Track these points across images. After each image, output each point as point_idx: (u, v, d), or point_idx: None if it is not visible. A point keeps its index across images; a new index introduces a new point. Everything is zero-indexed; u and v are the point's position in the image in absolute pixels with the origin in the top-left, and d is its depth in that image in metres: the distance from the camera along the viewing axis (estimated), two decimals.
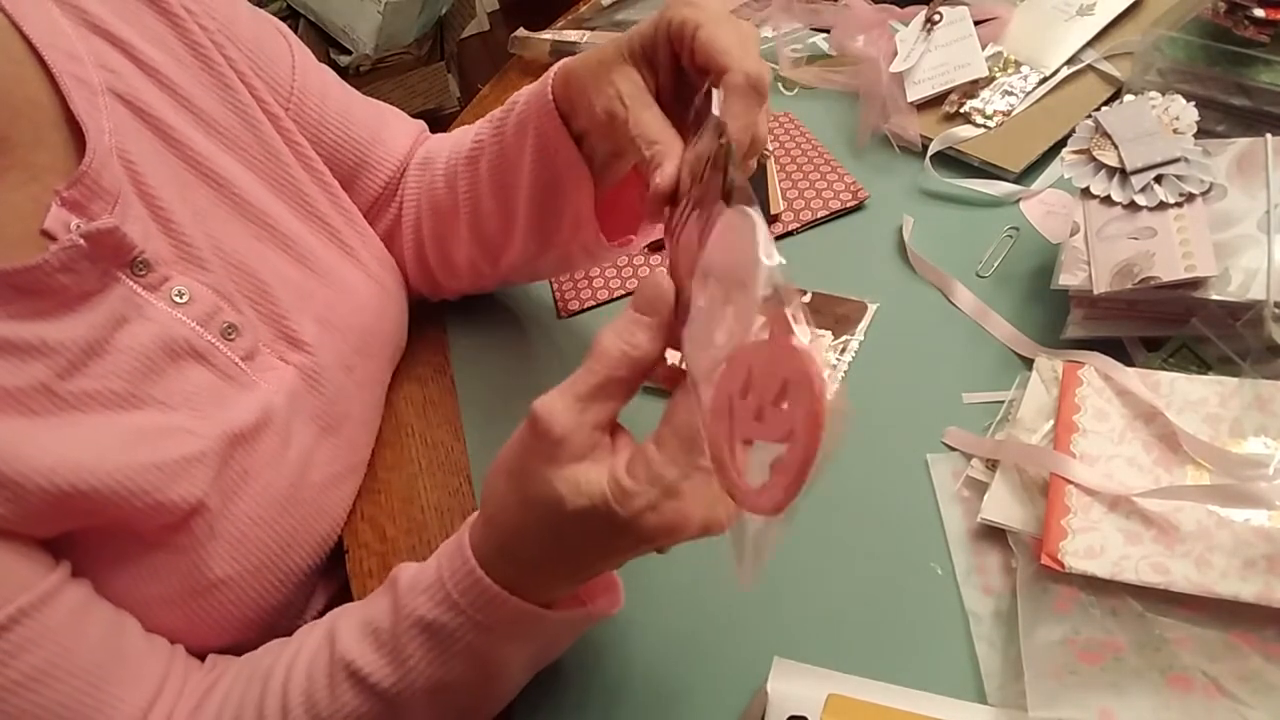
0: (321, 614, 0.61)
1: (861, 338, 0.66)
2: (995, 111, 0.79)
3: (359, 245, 0.69)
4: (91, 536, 0.51)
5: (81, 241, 0.50)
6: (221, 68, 0.62)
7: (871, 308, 0.67)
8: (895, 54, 0.85)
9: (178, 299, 0.56)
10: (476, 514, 0.46)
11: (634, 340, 0.40)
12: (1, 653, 0.45)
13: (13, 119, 0.51)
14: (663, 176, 0.46)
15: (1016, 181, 0.74)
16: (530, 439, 0.40)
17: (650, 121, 0.49)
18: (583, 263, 0.71)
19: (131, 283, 0.54)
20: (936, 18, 0.85)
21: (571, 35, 1.04)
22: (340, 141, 0.69)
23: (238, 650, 0.56)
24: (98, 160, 0.52)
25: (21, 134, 0.51)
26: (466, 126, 0.71)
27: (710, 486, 0.38)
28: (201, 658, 0.56)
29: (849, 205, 0.77)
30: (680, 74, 0.51)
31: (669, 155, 0.47)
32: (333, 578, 0.67)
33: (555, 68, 0.58)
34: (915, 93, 0.82)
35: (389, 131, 0.73)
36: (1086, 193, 0.61)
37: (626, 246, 0.65)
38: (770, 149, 0.84)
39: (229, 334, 0.59)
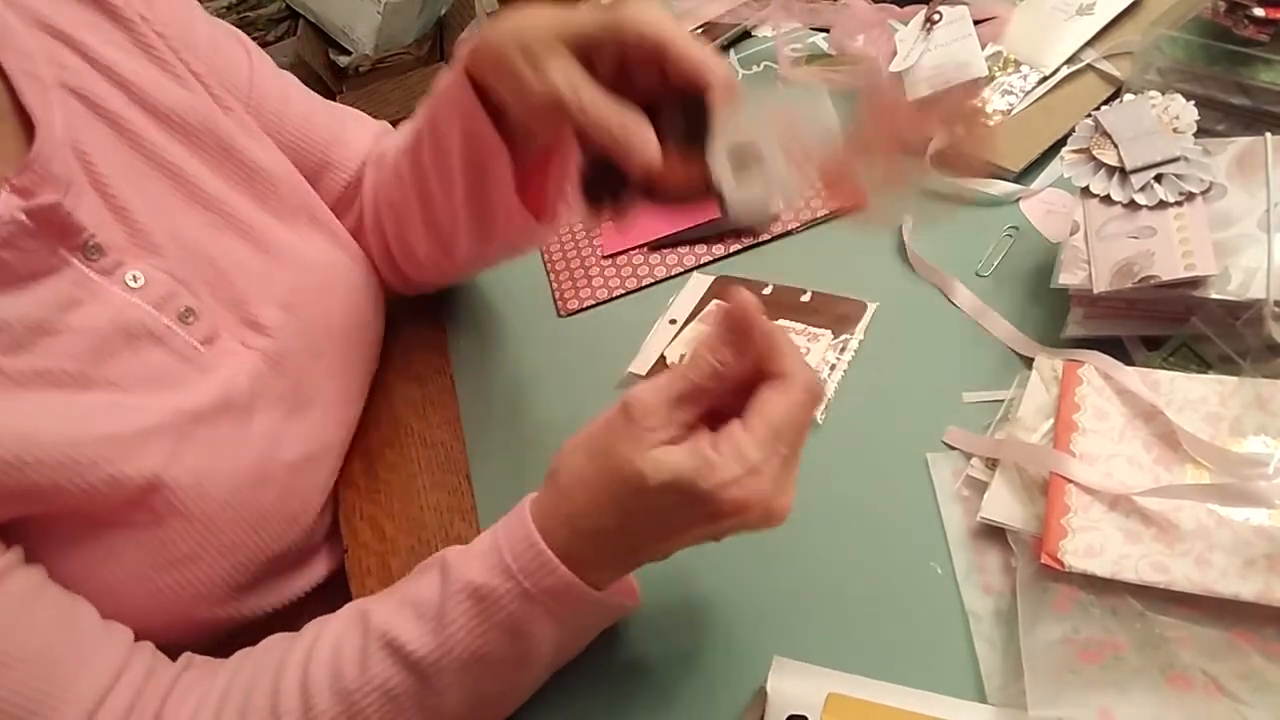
0: (301, 601, 0.63)
1: (861, 337, 0.66)
2: (995, 111, 0.79)
3: (321, 230, 0.70)
4: (47, 521, 0.51)
5: (23, 217, 0.51)
6: (176, 69, 0.63)
7: (871, 307, 0.67)
8: (894, 54, 0.84)
9: (132, 283, 0.57)
10: (539, 490, 0.48)
11: (723, 358, 0.44)
12: None
13: None
14: (649, 147, 0.47)
15: (1016, 181, 0.74)
16: (619, 423, 0.44)
17: (607, 105, 0.48)
18: (527, 245, 0.74)
19: (84, 267, 0.55)
20: (936, 17, 0.85)
21: None
22: (301, 143, 0.71)
23: (211, 639, 0.57)
24: (47, 148, 0.53)
25: None
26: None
27: (788, 475, 0.44)
28: (174, 653, 0.55)
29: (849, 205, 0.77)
30: (619, 74, 0.50)
31: (643, 129, 0.47)
32: (321, 559, 0.67)
33: (468, 44, 0.56)
34: (915, 93, 0.82)
35: (349, 133, 0.74)
36: (1086, 192, 0.61)
37: (556, 220, 0.66)
38: None
39: (186, 318, 0.59)
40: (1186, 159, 0.59)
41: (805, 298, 0.65)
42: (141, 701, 0.50)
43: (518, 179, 0.61)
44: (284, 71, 0.73)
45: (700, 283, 0.73)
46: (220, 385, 0.59)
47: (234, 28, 0.71)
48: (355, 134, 0.75)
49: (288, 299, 0.65)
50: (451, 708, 0.48)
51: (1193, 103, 0.62)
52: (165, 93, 0.62)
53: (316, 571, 0.67)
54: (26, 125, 0.54)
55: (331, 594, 0.66)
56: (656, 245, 0.79)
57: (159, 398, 0.56)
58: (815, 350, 0.65)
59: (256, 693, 0.49)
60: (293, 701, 0.48)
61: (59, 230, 0.53)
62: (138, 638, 0.53)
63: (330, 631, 0.50)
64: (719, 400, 0.44)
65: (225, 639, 0.58)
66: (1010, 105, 0.79)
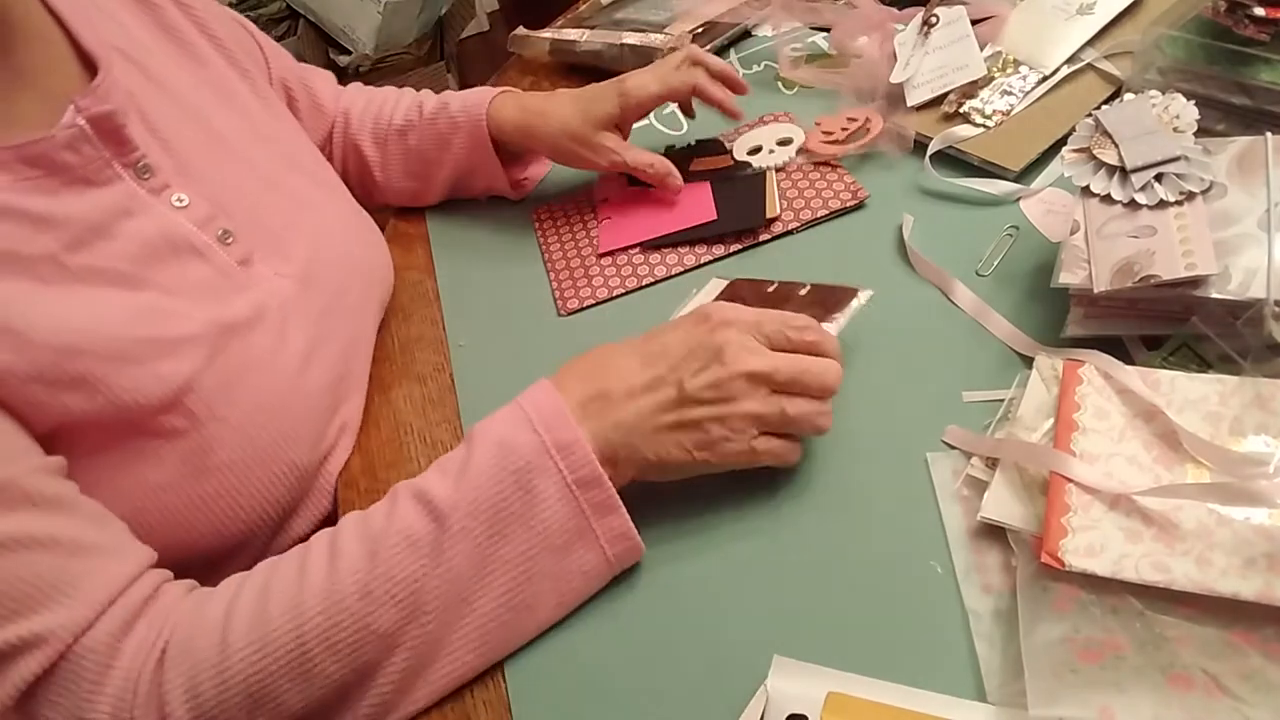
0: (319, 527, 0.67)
1: (845, 321, 0.63)
2: (995, 111, 0.79)
3: (333, 187, 0.80)
4: (94, 427, 0.55)
5: (84, 123, 0.57)
6: (196, 45, 0.72)
7: (864, 294, 0.64)
8: (895, 55, 0.85)
9: (177, 204, 0.63)
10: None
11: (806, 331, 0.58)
12: None
13: (28, 43, 0.58)
14: (677, 179, 0.82)
15: (1016, 180, 0.74)
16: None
17: (647, 157, 0.80)
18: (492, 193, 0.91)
19: (135, 184, 0.61)
20: (933, 20, 0.85)
21: (571, 34, 1.04)
22: (302, 95, 0.86)
23: (240, 552, 0.63)
24: (108, 80, 0.60)
25: (36, 58, 0.59)
26: (383, 92, 0.91)
27: (778, 359, 0.55)
28: (204, 560, 0.60)
29: (849, 205, 0.77)
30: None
31: (670, 166, 0.80)
32: (325, 498, 0.70)
33: (501, 113, 0.83)
34: (914, 97, 0.82)
35: (319, 90, 0.88)
36: (1086, 191, 0.61)
37: (527, 187, 0.90)
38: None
39: (225, 239, 0.65)
40: (1187, 158, 0.59)
41: (803, 291, 0.65)
42: (163, 592, 0.53)
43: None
44: (277, 45, 0.85)
45: (716, 286, 0.73)
46: (255, 303, 0.65)
47: (228, 9, 0.80)
48: (324, 91, 0.89)
49: (313, 242, 0.72)
50: (460, 563, 0.52)
51: (1193, 102, 0.62)
52: (190, 74, 0.70)
53: (318, 506, 0.69)
54: (85, 64, 0.61)
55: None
56: (653, 245, 0.80)
57: (200, 306, 0.61)
58: None
59: (285, 558, 0.53)
60: (320, 555, 0.52)
61: (114, 141, 0.59)
62: (176, 553, 0.57)
63: (350, 515, 0.55)
64: None
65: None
66: (1010, 105, 0.79)
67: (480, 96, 0.84)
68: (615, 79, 0.80)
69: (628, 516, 0.54)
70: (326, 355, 0.70)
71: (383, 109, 0.88)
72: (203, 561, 0.60)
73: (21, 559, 0.48)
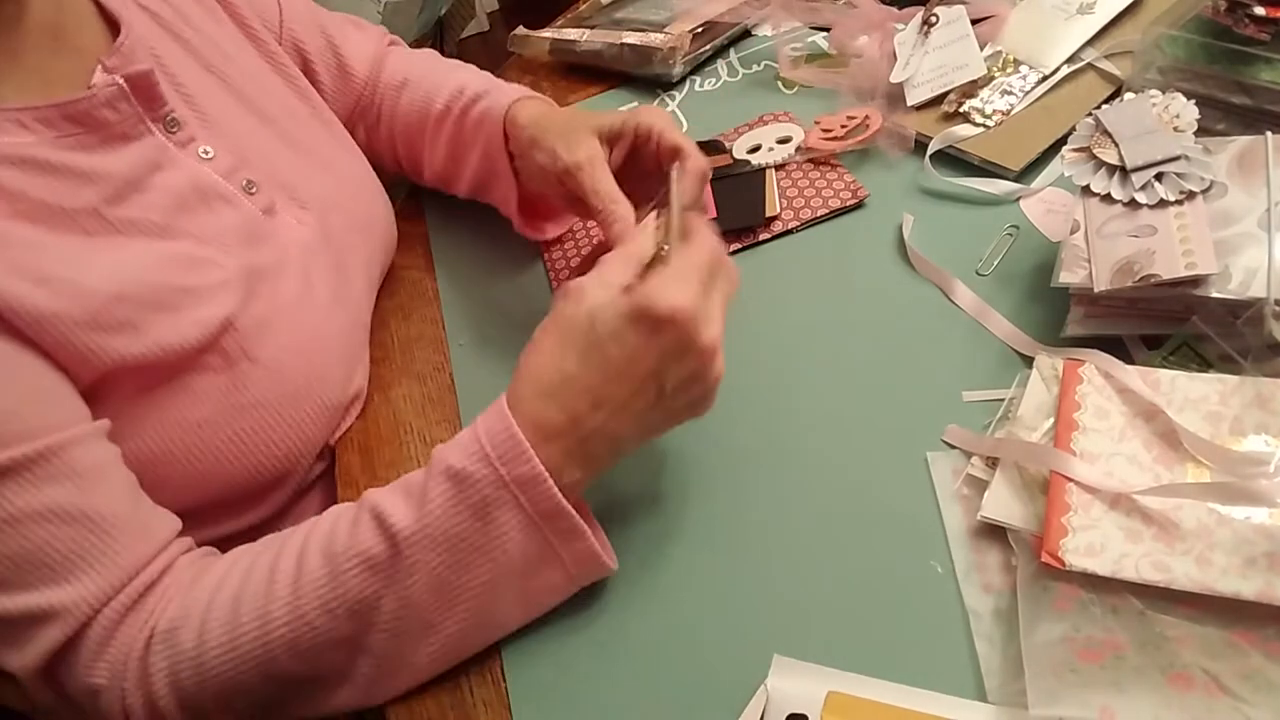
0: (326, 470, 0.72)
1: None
2: (995, 111, 0.79)
3: (344, 142, 0.82)
4: (135, 372, 0.57)
5: (121, 81, 0.60)
6: (212, 6, 0.74)
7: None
8: (894, 54, 0.85)
9: (204, 155, 0.66)
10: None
11: (636, 247, 0.54)
12: (27, 482, 0.50)
13: (60, 8, 0.61)
14: (624, 224, 0.62)
15: (1016, 180, 0.74)
16: (560, 301, 0.53)
17: (608, 183, 0.65)
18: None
19: (164, 138, 0.63)
20: (933, 19, 0.85)
21: (571, 34, 1.04)
22: (323, 51, 0.84)
23: (278, 486, 0.66)
24: (131, 38, 0.63)
25: (68, 21, 0.61)
26: (430, 57, 0.88)
27: (712, 300, 0.51)
28: (241, 495, 0.64)
29: (849, 204, 0.77)
30: (629, 160, 0.68)
31: (623, 214, 0.63)
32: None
33: (521, 112, 0.75)
34: (914, 96, 0.82)
35: (351, 58, 0.86)
36: (1087, 191, 0.61)
37: (538, 235, 0.82)
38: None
39: (250, 189, 0.68)
40: (1187, 158, 0.59)
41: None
42: (171, 572, 0.55)
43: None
44: None
45: None
46: (280, 249, 0.68)
47: None
48: (363, 42, 0.87)
49: (326, 194, 0.74)
50: (419, 590, 0.52)
51: (1193, 101, 0.62)
52: (203, 20, 0.73)
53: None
54: (109, 25, 0.64)
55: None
56: None
57: (232, 252, 0.64)
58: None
59: (260, 558, 0.55)
60: (289, 563, 0.53)
61: (147, 98, 0.62)
62: (217, 488, 0.62)
63: (332, 511, 0.56)
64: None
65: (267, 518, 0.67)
66: (1010, 105, 0.79)
67: (503, 98, 0.78)
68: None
69: (593, 540, 0.53)
70: (345, 301, 0.74)
71: (431, 91, 0.83)
72: (242, 495, 0.64)
73: (55, 531, 0.51)
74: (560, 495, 0.51)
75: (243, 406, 0.62)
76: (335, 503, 0.68)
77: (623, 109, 0.82)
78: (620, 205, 0.64)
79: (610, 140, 0.68)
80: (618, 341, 0.50)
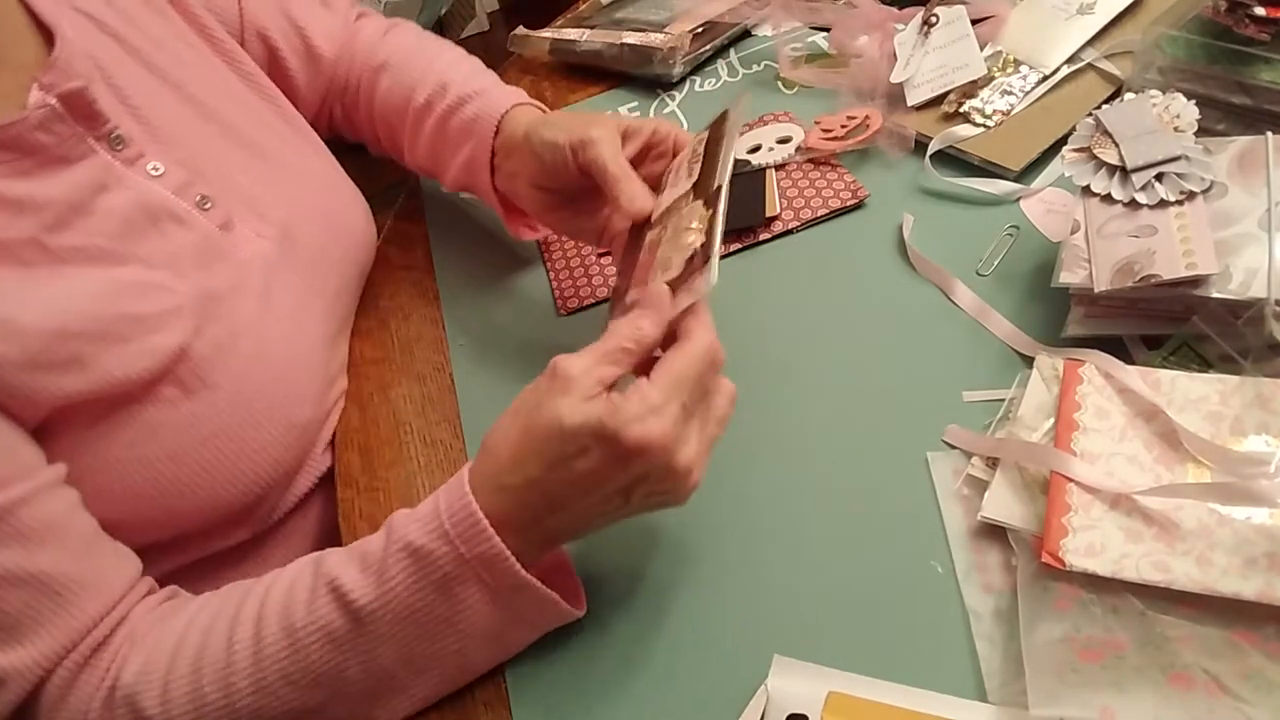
0: (313, 491, 0.70)
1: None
2: (995, 111, 0.79)
3: (308, 145, 0.78)
4: (85, 408, 0.55)
5: (55, 102, 0.56)
6: (166, 10, 0.70)
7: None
8: (895, 54, 0.85)
9: (153, 172, 0.62)
10: (475, 458, 0.52)
11: (640, 325, 0.50)
12: None
13: None
14: (639, 199, 0.60)
15: (1016, 180, 0.74)
16: (545, 382, 0.49)
17: (622, 162, 0.62)
18: None
19: (109, 156, 0.60)
20: (933, 19, 0.85)
21: (571, 34, 1.04)
22: (289, 35, 0.80)
23: (246, 515, 0.63)
24: (67, 51, 0.58)
25: (2, 36, 0.58)
26: (410, 35, 0.84)
27: (691, 428, 0.48)
28: (211, 524, 0.61)
29: (849, 204, 0.77)
30: (636, 165, 0.64)
31: (638, 193, 0.60)
32: (327, 455, 0.71)
33: (521, 116, 0.72)
34: (914, 96, 0.82)
35: (319, 40, 0.81)
36: (1087, 191, 0.61)
37: (528, 235, 0.79)
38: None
39: (204, 205, 0.64)
40: (1187, 158, 0.59)
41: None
42: (129, 621, 0.53)
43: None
44: None
45: None
46: (239, 266, 0.65)
47: None
48: (327, 19, 0.82)
49: (290, 202, 0.71)
50: (387, 660, 0.51)
51: (1193, 102, 0.62)
52: (152, 21, 0.68)
53: (320, 464, 0.70)
54: (46, 36, 0.60)
55: (331, 496, 0.70)
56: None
57: (184, 276, 0.61)
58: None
59: (217, 622, 0.52)
60: (246, 631, 0.51)
61: (86, 116, 0.58)
62: (179, 522, 0.59)
63: (287, 574, 0.53)
64: (637, 364, 0.50)
65: (237, 554, 0.64)
66: (1010, 105, 0.79)
67: (497, 102, 0.74)
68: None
69: (561, 604, 0.52)
70: (315, 312, 0.71)
71: (411, 83, 0.80)
72: (217, 522, 0.61)
73: (3, 595, 0.49)
74: (523, 571, 0.49)
75: (205, 436, 0.59)
76: (333, 515, 0.68)
77: (623, 108, 0.83)
78: (634, 183, 0.60)
79: (625, 135, 0.65)
80: (585, 458, 0.47)
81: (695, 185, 0.56)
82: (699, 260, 0.50)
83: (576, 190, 0.68)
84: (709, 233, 0.51)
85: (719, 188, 0.53)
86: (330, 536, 0.69)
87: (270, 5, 0.79)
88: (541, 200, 0.70)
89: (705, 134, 0.60)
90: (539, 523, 0.50)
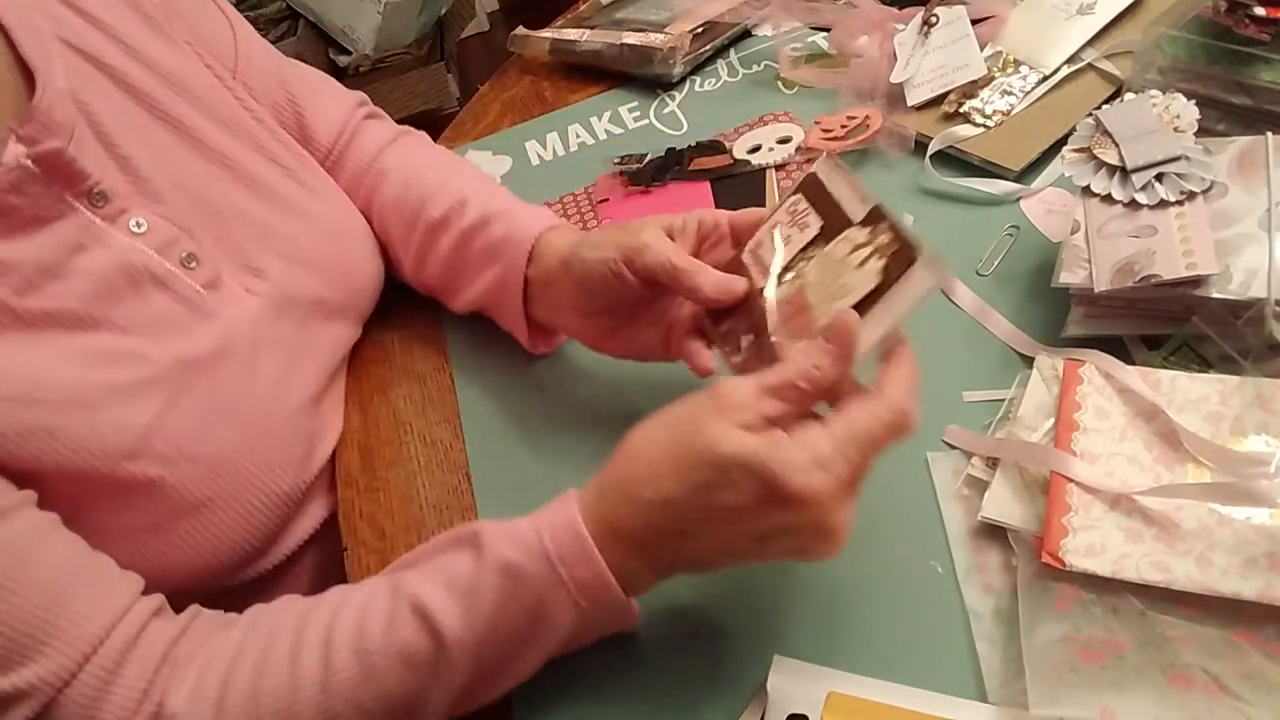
0: (303, 547, 0.65)
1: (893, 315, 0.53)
2: (995, 111, 0.79)
3: (317, 183, 0.72)
4: (57, 477, 0.52)
5: (29, 163, 0.52)
6: (165, 26, 0.65)
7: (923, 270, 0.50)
8: (895, 55, 0.85)
9: (135, 229, 0.58)
10: (602, 469, 0.48)
11: (820, 362, 0.45)
12: None
13: None
14: (731, 283, 0.55)
15: (1017, 180, 0.74)
16: (704, 400, 0.45)
17: (683, 255, 0.56)
18: None
19: (89, 213, 0.56)
20: (933, 19, 0.85)
21: (571, 34, 1.04)
22: (281, 110, 0.74)
23: (222, 592, 0.59)
24: (49, 96, 0.54)
25: None
26: (420, 147, 0.79)
27: (852, 489, 0.44)
28: (189, 594, 0.56)
29: None
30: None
31: (722, 275, 0.55)
32: (318, 504, 0.68)
33: (558, 238, 0.65)
34: (914, 97, 0.82)
35: (323, 105, 0.77)
36: (1087, 191, 0.61)
37: (545, 349, 0.71)
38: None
39: (189, 263, 0.61)
40: (1187, 158, 0.59)
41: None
42: (148, 635, 0.50)
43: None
44: (262, 40, 0.76)
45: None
46: (223, 330, 0.61)
47: None
48: (329, 106, 0.77)
49: (289, 248, 0.67)
50: (459, 683, 0.49)
51: (1193, 102, 0.62)
52: (162, 54, 0.64)
53: (316, 514, 0.68)
54: (28, 79, 0.56)
55: (331, 537, 0.67)
56: None
57: (162, 342, 0.58)
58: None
59: (276, 645, 0.49)
60: (313, 656, 0.48)
61: (64, 176, 0.55)
62: (156, 589, 0.54)
63: (359, 594, 0.51)
64: (807, 405, 0.46)
65: (235, 593, 0.60)
66: (1010, 105, 0.79)
67: (525, 230, 0.67)
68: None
69: (634, 612, 0.51)
70: (305, 372, 0.67)
71: (425, 194, 0.73)
72: (184, 594, 0.56)
73: None
74: (622, 593, 0.47)
75: (180, 511, 0.56)
76: (330, 555, 0.65)
77: (623, 109, 0.82)
78: (709, 271, 0.55)
79: (670, 233, 0.58)
80: (732, 491, 0.43)
81: (823, 228, 0.53)
82: (895, 273, 0.46)
83: (633, 306, 0.61)
84: (897, 236, 0.47)
85: (876, 208, 0.50)
86: (330, 572, 0.67)
87: (270, 76, 0.73)
88: (595, 329, 0.64)
89: (792, 197, 0.56)
90: (661, 547, 0.47)
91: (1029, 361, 0.60)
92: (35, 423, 0.51)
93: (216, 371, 0.60)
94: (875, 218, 0.50)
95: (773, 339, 0.52)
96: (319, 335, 0.69)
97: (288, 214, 0.68)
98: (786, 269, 0.54)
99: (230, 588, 0.62)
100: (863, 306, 0.47)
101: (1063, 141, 0.67)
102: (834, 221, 0.53)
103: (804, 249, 0.53)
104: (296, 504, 0.65)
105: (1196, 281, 0.54)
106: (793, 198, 0.56)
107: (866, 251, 0.49)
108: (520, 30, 1.08)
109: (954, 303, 0.67)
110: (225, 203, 0.65)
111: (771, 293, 0.54)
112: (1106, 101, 0.73)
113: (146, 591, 0.53)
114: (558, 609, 0.47)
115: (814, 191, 0.55)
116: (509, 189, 0.76)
